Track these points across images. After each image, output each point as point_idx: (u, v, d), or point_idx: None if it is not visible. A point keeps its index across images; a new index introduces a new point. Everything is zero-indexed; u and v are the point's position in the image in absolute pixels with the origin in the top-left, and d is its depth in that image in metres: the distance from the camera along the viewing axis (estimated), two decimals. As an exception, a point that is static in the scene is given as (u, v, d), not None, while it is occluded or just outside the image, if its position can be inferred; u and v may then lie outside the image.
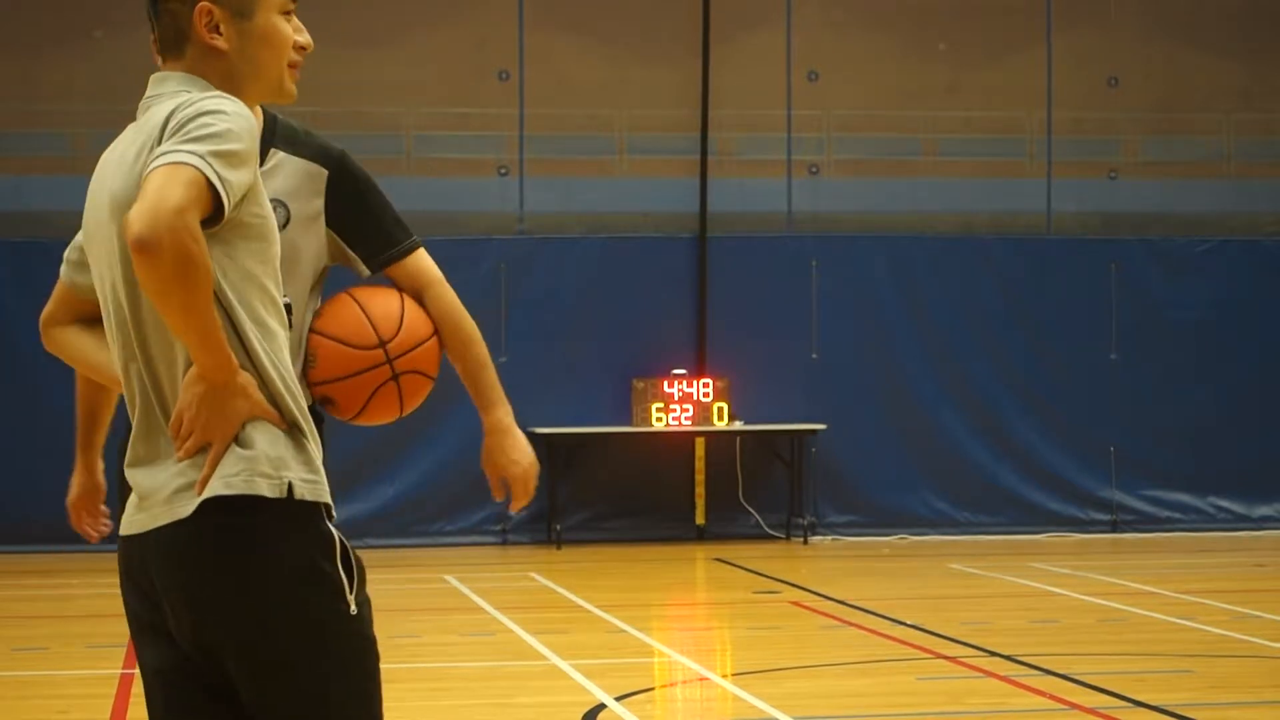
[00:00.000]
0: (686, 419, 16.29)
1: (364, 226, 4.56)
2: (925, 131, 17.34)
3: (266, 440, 3.38)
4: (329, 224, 4.52)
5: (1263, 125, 17.70)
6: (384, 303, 4.48)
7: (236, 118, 3.34)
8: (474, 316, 4.51)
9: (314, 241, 4.50)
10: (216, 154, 3.27)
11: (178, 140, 3.29)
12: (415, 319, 4.48)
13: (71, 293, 3.79)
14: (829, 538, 16.62)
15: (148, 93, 3.53)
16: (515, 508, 4.61)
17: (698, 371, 16.54)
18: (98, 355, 3.77)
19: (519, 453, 4.60)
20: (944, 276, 16.95)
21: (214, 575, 3.34)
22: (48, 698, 9.06)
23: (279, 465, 3.37)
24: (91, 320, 3.76)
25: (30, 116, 16.26)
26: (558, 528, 16.15)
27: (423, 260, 4.59)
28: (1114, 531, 16.99)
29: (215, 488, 3.32)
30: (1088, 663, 9.62)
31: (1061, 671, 9.21)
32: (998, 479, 16.91)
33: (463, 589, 13.31)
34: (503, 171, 16.91)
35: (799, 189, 17.19)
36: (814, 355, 16.83)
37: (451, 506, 16.18)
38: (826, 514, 16.73)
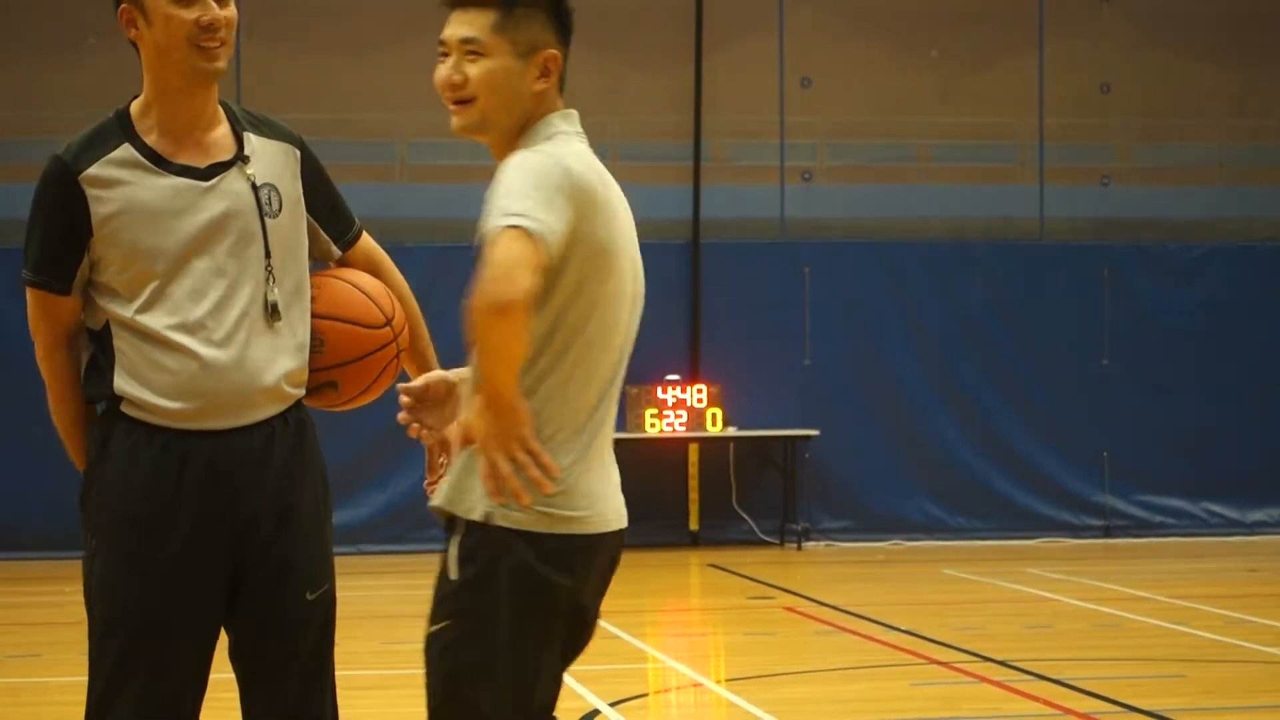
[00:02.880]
0: (680, 425, 16.30)
1: (332, 206, 4.47)
2: (918, 138, 17.36)
3: None
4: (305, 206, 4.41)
5: (1254, 131, 17.73)
6: (370, 282, 4.43)
7: None
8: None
9: (302, 224, 4.38)
10: None
11: None
12: (395, 296, 4.46)
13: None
14: (823, 543, 16.63)
15: (578, 126, 3.98)
16: None
17: (691, 378, 16.55)
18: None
19: None
20: (936, 282, 16.97)
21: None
22: (41, 705, 9.05)
23: None
24: None
25: (24, 124, 16.25)
26: (551, 534, 16.12)
27: (369, 238, 4.56)
28: (1107, 536, 17.01)
29: None
30: (1081, 668, 9.64)
31: (1055, 677, 9.23)
32: (991, 484, 16.92)
33: (457, 595, 13.28)
34: (496, 178, 16.90)
35: (792, 195, 17.20)
36: (807, 361, 16.84)
37: (445, 513, 16.16)
38: (820, 520, 16.74)
